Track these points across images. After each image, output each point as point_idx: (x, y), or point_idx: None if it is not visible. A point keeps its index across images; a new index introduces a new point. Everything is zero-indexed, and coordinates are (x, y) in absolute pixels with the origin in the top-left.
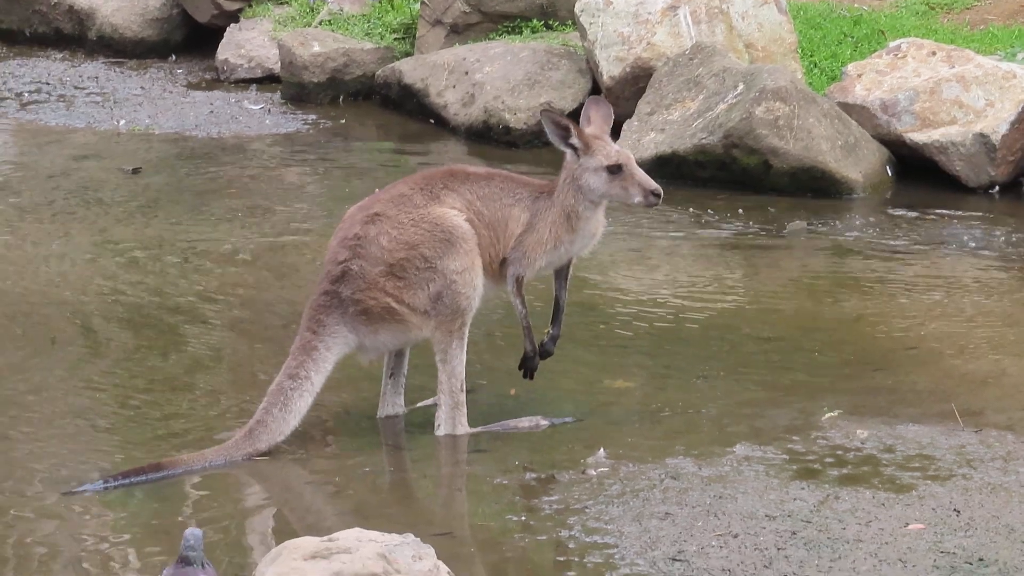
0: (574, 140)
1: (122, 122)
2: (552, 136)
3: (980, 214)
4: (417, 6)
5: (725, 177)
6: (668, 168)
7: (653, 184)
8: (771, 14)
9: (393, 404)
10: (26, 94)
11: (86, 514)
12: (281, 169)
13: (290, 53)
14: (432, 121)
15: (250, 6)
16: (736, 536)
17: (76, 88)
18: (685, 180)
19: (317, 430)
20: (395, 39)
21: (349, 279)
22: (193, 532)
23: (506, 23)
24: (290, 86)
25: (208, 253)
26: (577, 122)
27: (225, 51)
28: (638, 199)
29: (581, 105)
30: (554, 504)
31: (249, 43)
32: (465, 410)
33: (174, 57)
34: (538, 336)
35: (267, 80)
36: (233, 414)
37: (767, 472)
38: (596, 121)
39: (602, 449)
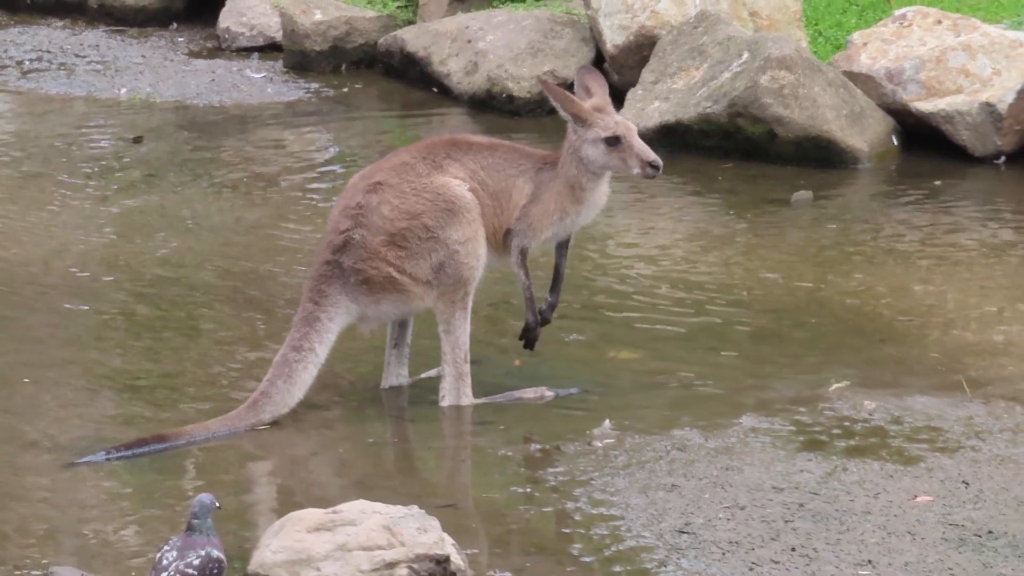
0: (565, 112)
1: (123, 90)
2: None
3: (986, 183)
4: None
5: (730, 146)
6: (672, 137)
7: (652, 155)
8: None
9: (397, 375)
10: (27, 62)
11: (89, 485)
12: (283, 138)
13: (292, 21)
14: (435, 90)
15: None
16: (743, 508)
17: (77, 56)
18: (689, 149)
19: (321, 401)
20: (397, 7)
21: (351, 249)
22: (201, 500)
23: None
24: (292, 55)
25: (210, 222)
26: (573, 92)
27: (227, 19)
28: (636, 171)
29: None
30: (559, 476)
31: (251, 11)
32: (469, 381)
33: (175, 25)
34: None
35: (269, 48)
36: (238, 386)
37: (774, 444)
38: (597, 92)
39: (607, 420)
